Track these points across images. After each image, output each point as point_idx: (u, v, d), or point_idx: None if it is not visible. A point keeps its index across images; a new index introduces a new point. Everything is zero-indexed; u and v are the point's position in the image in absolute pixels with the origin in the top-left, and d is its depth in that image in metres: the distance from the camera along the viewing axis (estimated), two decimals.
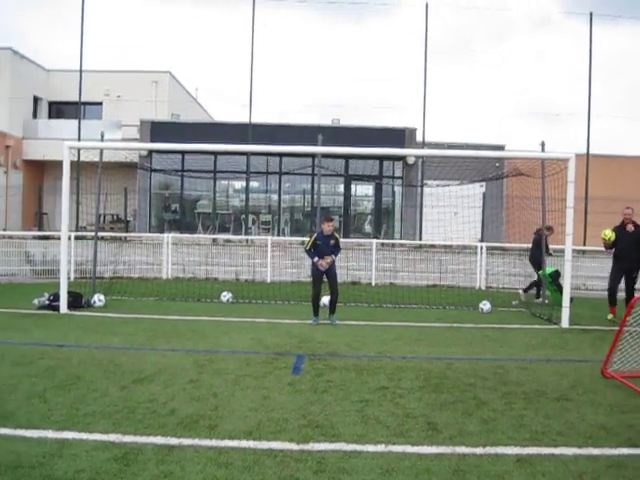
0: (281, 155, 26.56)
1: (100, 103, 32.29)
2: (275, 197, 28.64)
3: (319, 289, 12.91)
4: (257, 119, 26.37)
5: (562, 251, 14.05)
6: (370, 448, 5.50)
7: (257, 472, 4.91)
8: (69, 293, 13.98)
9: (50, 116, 33.67)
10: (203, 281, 20.33)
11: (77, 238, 20.92)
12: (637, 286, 14.37)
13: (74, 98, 27.14)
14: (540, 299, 16.57)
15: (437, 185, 21.54)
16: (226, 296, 15.99)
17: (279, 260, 21.59)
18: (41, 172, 31.06)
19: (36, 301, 13.96)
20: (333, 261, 12.78)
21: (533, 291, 17.21)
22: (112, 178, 20.31)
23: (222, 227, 27.81)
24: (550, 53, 53.35)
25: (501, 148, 25.57)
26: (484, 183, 23.79)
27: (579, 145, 27.33)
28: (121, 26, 59.87)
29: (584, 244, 22.64)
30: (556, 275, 16.20)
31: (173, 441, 5.54)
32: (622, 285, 14.36)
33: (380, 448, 5.50)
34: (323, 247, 12.65)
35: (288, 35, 52.49)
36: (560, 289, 14.72)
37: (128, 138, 28.39)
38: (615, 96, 45.12)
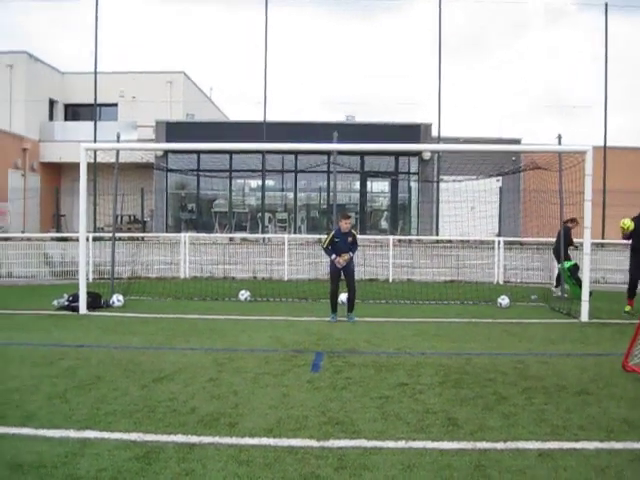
0: (296, 153, 26.55)
1: (115, 104, 32.45)
2: (291, 195, 28.65)
3: (337, 286, 12.90)
4: (271, 117, 26.37)
5: (581, 244, 13.97)
6: (390, 444, 5.49)
7: (278, 469, 4.91)
8: (88, 294, 14.05)
9: (66, 118, 33.91)
10: (221, 280, 20.36)
11: (95, 239, 21.02)
12: None
13: (89, 100, 27.29)
14: (559, 288, 16.50)
15: (453, 180, 21.44)
16: (244, 294, 16.01)
17: (296, 258, 21.60)
18: (58, 174, 31.25)
19: (55, 302, 14.05)
20: (351, 258, 12.76)
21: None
22: (129, 179, 20.40)
23: (239, 226, 27.85)
24: (565, 46, 53.14)
25: (517, 142, 25.40)
26: (500, 177, 23.66)
27: (596, 138, 27.12)
28: (135, 27, 60.19)
29: (602, 237, 22.51)
30: (575, 269, 16.09)
31: (194, 439, 5.55)
32: None
33: (401, 444, 5.49)
34: (341, 244, 12.64)
35: (301, 33, 52.59)
36: (579, 283, 14.63)
37: (144, 139, 28.50)
38: (632, 88, 44.78)
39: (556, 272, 17.59)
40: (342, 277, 12.89)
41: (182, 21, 61.67)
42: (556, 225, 16.53)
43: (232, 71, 63.11)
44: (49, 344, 10.02)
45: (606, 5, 25.47)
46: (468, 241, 22.19)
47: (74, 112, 34.08)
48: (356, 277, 13.32)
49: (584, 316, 12.99)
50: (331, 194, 25.35)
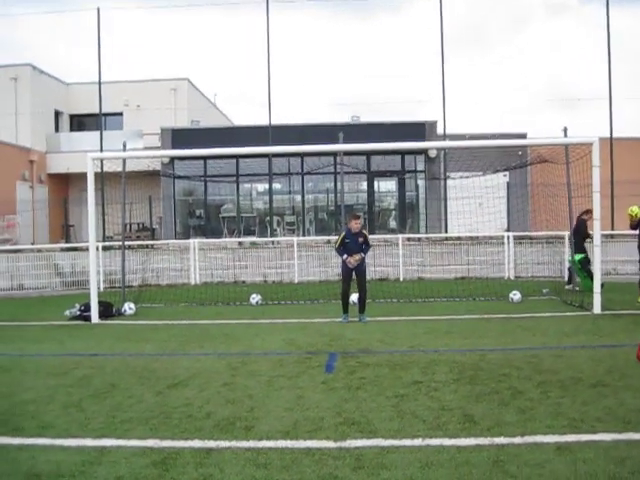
0: (303, 155, 26.52)
1: (120, 113, 32.55)
2: (299, 197, 28.65)
3: (348, 286, 12.89)
4: (277, 121, 26.39)
5: (590, 236, 13.91)
6: (407, 442, 5.47)
7: (296, 471, 4.91)
8: (100, 303, 14.09)
9: (72, 129, 34.01)
10: (231, 285, 20.41)
11: (105, 248, 21.08)
12: None
13: (94, 110, 27.42)
14: (571, 285, 16.45)
15: (460, 177, 21.38)
16: (255, 298, 16.02)
17: (306, 260, 21.59)
18: (66, 185, 31.34)
19: (67, 312, 14.09)
20: (363, 258, 12.75)
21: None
22: (136, 187, 20.43)
23: (247, 230, 27.86)
24: (567, 39, 52.98)
25: (523, 136, 25.30)
26: (507, 172, 23.58)
27: (602, 130, 26.99)
28: (137, 36, 60.27)
29: (612, 228, 22.40)
30: (586, 261, 16.03)
31: (211, 444, 5.55)
32: None
33: (418, 442, 5.47)
34: (352, 245, 12.64)
35: (303, 35, 52.63)
36: (590, 275, 14.58)
37: (150, 147, 28.57)
38: (637, 78, 44.63)
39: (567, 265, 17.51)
40: (354, 277, 12.88)
41: (184, 28, 61.75)
42: (566, 218, 16.46)
43: (236, 76, 63.18)
44: (63, 354, 10.06)
45: None
46: (477, 237, 22.13)
47: (80, 122, 34.21)
48: (367, 277, 13.31)
49: (597, 308, 12.94)
50: (339, 195, 25.31)
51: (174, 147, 26.41)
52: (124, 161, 16.28)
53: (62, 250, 22.65)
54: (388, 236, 23.84)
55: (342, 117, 35.68)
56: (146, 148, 28.37)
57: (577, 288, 15.95)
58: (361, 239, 12.68)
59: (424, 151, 26.72)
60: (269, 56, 25.99)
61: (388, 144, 18.42)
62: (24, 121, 30.09)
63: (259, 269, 21.85)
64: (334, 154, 22.54)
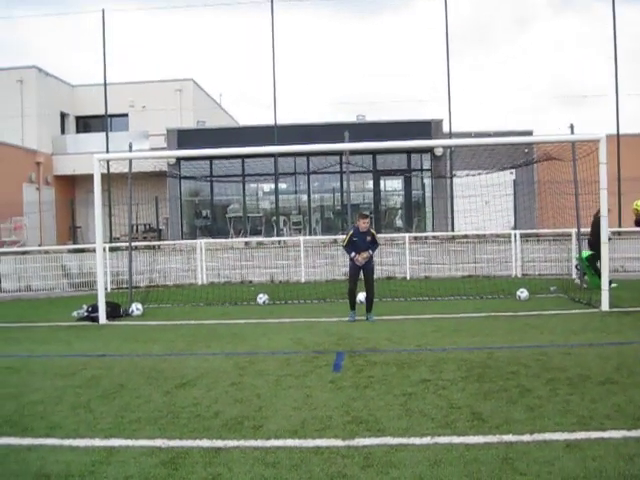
0: (308, 154, 26.52)
1: (126, 114, 32.57)
2: (305, 197, 28.66)
3: (355, 284, 12.89)
4: (282, 120, 26.40)
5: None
6: (416, 441, 5.47)
7: (304, 470, 4.90)
8: (107, 304, 14.12)
9: (78, 131, 34.08)
10: (238, 285, 20.42)
11: (111, 249, 21.11)
12: None
13: (100, 111, 27.47)
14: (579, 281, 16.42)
15: (466, 175, 21.35)
16: (262, 298, 16.03)
17: (312, 259, 21.59)
18: (72, 186, 31.39)
19: (75, 313, 14.12)
20: (370, 256, 12.75)
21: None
22: (142, 188, 20.44)
23: (254, 230, 27.87)
24: (573, 36, 52.82)
25: (529, 134, 25.26)
26: (514, 170, 23.53)
27: (608, 126, 26.92)
28: (142, 37, 60.35)
29: (619, 225, 22.35)
30: (593, 258, 15.98)
31: (219, 443, 5.56)
32: None
33: (426, 440, 5.46)
34: (360, 243, 12.65)
35: (307, 34, 52.54)
36: (598, 272, 14.54)
37: (155, 147, 28.59)
38: None
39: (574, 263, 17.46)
40: (361, 276, 12.88)
41: (188, 28, 61.76)
42: (572, 215, 16.42)
43: (241, 76, 63.15)
44: (71, 355, 10.08)
45: None
46: (484, 235, 22.09)
47: (85, 124, 34.27)
48: (374, 276, 13.30)
49: (605, 305, 12.91)
50: (344, 194, 25.30)
51: (180, 148, 26.45)
52: (130, 162, 16.32)
53: (69, 251, 22.69)
54: (395, 235, 23.82)
55: (347, 116, 35.59)
56: (152, 149, 28.38)
57: (585, 285, 15.90)
58: (369, 238, 12.70)
59: (430, 149, 26.72)
60: (274, 56, 26.01)
61: (394, 142, 18.36)
62: (30, 123, 30.14)
63: (266, 269, 21.85)
64: (340, 153, 22.56)
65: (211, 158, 26.89)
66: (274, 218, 27.41)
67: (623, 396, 6.55)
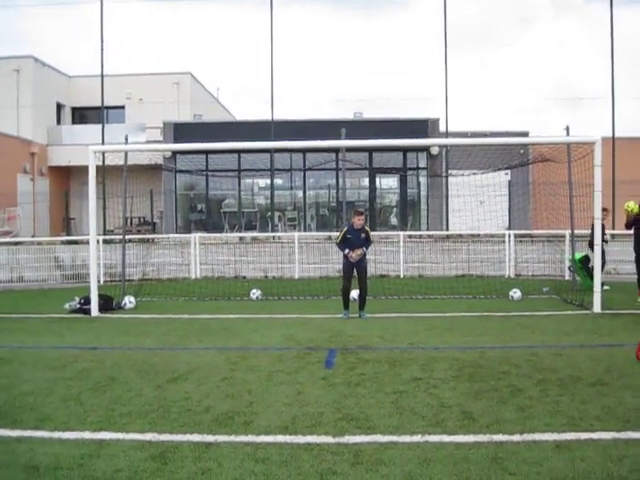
0: (305, 151, 26.50)
1: (122, 107, 32.50)
2: (300, 193, 28.62)
3: (349, 282, 12.89)
4: (279, 116, 26.36)
5: (605, 238, 13.90)
6: (406, 439, 5.48)
7: (294, 466, 4.91)
8: (100, 296, 14.09)
9: (73, 122, 33.96)
10: (232, 279, 20.41)
11: (105, 242, 21.07)
12: None
13: (97, 103, 27.39)
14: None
15: (462, 174, 21.37)
16: (255, 293, 16.04)
17: (306, 256, 21.58)
18: (67, 178, 31.33)
19: (67, 305, 14.08)
20: (364, 254, 12.76)
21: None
22: (137, 181, 20.41)
23: (248, 225, 27.84)
24: (572, 39, 52.88)
25: (525, 135, 25.29)
26: (509, 171, 23.57)
27: (604, 129, 26.96)
28: (140, 29, 60.16)
29: (613, 228, 22.37)
30: (586, 260, 16.01)
31: (209, 438, 5.56)
32: None
33: (416, 438, 5.47)
34: (354, 240, 12.65)
35: (306, 31, 52.51)
36: (591, 274, 14.56)
37: (152, 140, 28.53)
38: (639, 78, 44.56)
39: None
40: (355, 274, 12.88)
41: (187, 21, 61.63)
42: (567, 217, 16.43)
43: (239, 71, 63.10)
44: (62, 347, 10.07)
45: None
46: (478, 235, 22.13)
47: (81, 115, 34.16)
48: (367, 274, 13.31)
49: (596, 307, 12.93)
50: (340, 191, 25.30)
51: (176, 141, 26.36)
52: (126, 154, 16.28)
53: (62, 243, 22.65)
54: (389, 233, 23.84)
55: (344, 113, 35.53)
56: (148, 142, 28.32)
57: (577, 287, 15.93)
58: (363, 235, 12.70)
59: (426, 148, 26.73)
60: (272, 51, 25.98)
61: (390, 141, 18.37)
62: (26, 113, 30.04)
63: (260, 264, 21.84)
64: (336, 150, 22.55)
65: (207, 152, 26.87)
66: (269, 214, 27.38)
67: (613, 398, 6.57)
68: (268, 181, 28.00)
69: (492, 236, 22.12)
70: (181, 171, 27.15)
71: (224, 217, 27.80)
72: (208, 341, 10.38)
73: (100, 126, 27.09)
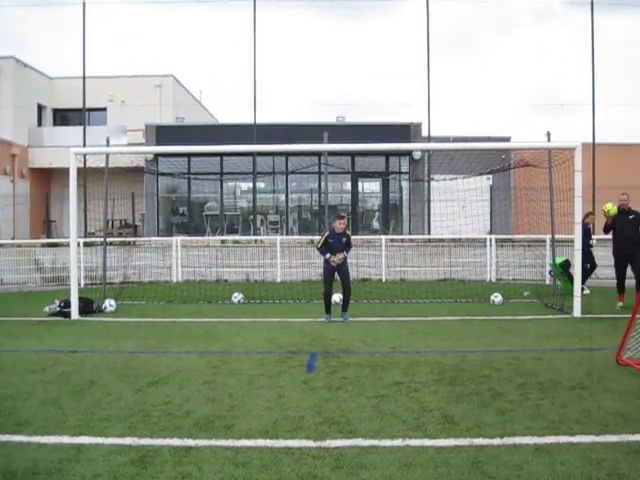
0: (287, 154, 26.52)
1: (104, 109, 32.36)
2: (282, 197, 28.64)
3: (330, 287, 12.87)
4: (262, 120, 26.37)
5: (572, 240, 13.98)
6: (387, 443, 5.48)
7: (275, 470, 4.89)
8: (80, 299, 13.99)
9: (55, 123, 33.76)
10: (213, 283, 20.36)
11: (86, 244, 20.94)
12: None
13: (78, 105, 27.27)
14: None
15: (444, 179, 21.45)
16: (237, 297, 15.99)
17: (288, 259, 21.56)
18: (48, 180, 31.12)
19: (47, 308, 13.96)
20: (345, 258, 12.75)
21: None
22: (119, 183, 20.28)
23: (230, 228, 27.81)
24: (553, 44, 53.23)
25: (507, 140, 25.45)
26: (491, 175, 23.69)
27: (585, 135, 27.19)
28: (123, 31, 59.93)
29: (593, 232, 22.52)
30: (567, 265, 16.10)
31: (190, 442, 5.53)
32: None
33: (397, 442, 5.48)
34: (335, 244, 12.61)
35: (290, 34, 52.52)
36: (571, 279, 14.65)
37: (134, 143, 28.39)
38: (619, 84, 45.01)
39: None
40: (336, 278, 12.86)
41: (170, 24, 61.47)
42: (547, 222, 16.53)
43: (222, 74, 63.00)
44: (42, 350, 9.99)
45: (592, 3, 25.64)
46: (460, 239, 22.21)
47: (63, 117, 33.96)
48: (350, 276, 13.30)
49: (577, 311, 13.01)
50: (322, 195, 25.32)
51: (158, 144, 26.28)
52: (107, 157, 16.19)
53: (43, 245, 22.49)
54: (371, 237, 23.87)
55: (327, 117, 35.60)
56: (130, 144, 28.18)
57: (558, 292, 16.02)
58: (344, 239, 12.68)
59: (408, 153, 26.86)
60: (255, 55, 26.06)
61: (372, 145, 18.42)
62: (6, 114, 29.82)
63: (242, 268, 21.78)
64: (319, 154, 22.55)
65: (189, 155, 26.83)
66: (251, 217, 27.37)
67: (592, 401, 6.61)
68: (250, 184, 28.02)
69: (474, 240, 22.20)
70: (163, 174, 27.06)
71: (206, 220, 27.75)
72: (189, 345, 10.33)
73: (82, 128, 27.00)
